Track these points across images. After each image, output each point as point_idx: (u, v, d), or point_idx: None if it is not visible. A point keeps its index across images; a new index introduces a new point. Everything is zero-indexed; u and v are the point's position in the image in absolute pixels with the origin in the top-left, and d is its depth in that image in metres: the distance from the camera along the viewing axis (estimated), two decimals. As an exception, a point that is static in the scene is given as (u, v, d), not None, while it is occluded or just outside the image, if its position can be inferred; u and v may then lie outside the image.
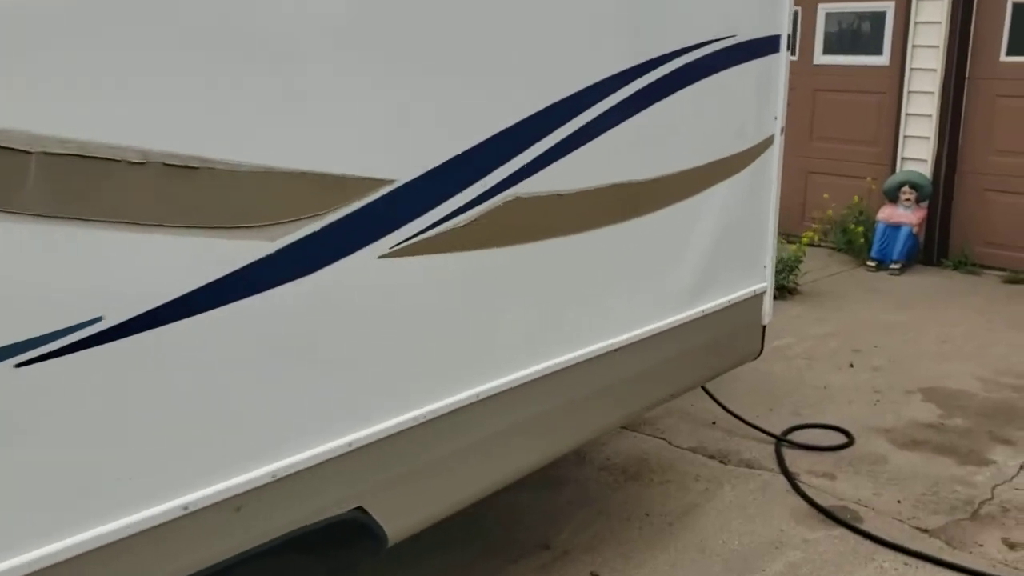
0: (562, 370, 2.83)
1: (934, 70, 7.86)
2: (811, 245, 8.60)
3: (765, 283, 3.83)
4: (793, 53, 9.33)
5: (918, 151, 8.03)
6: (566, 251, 2.76)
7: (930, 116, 7.92)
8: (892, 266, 7.84)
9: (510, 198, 2.50)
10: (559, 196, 2.67)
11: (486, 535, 3.67)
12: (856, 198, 8.27)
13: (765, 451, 4.51)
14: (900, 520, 3.85)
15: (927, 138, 7.96)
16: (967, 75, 7.83)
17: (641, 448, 4.54)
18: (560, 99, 2.60)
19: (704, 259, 3.38)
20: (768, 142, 3.66)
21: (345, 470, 2.15)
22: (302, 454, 2.07)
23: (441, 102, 2.27)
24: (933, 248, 8.07)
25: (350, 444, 2.17)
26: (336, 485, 2.18)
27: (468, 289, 2.45)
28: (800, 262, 7.16)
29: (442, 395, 2.42)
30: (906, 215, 7.85)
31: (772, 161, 3.71)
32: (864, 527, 3.78)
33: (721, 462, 4.40)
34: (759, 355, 4.01)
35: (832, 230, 8.45)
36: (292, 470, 2.04)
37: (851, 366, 5.65)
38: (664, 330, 3.22)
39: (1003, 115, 7.69)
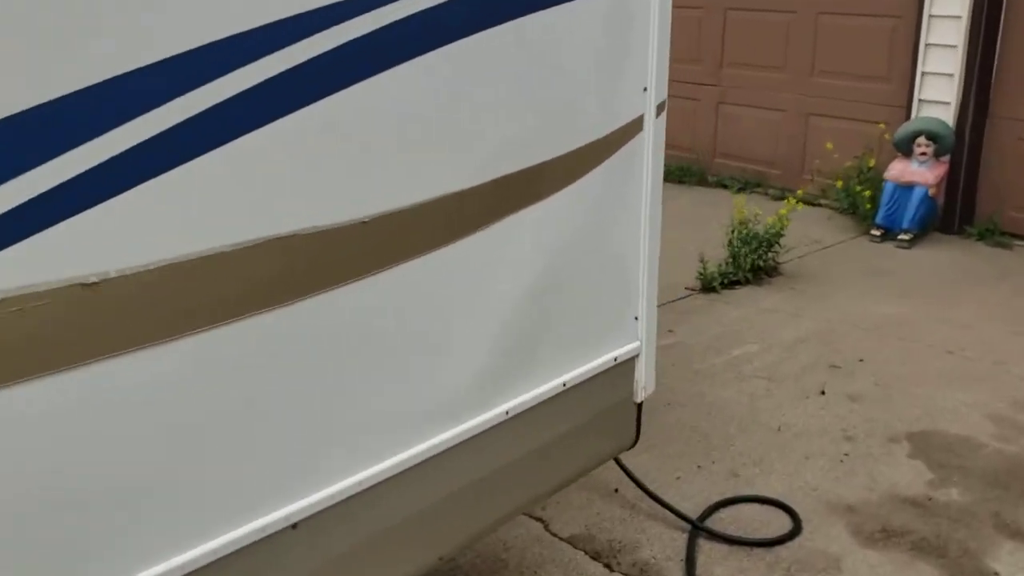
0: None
1: (964, -12, 6.27)
2: (811, 204, 7.19)
3: (637, 342, 2.50)
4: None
5: (939, 91, 6.48)
6: (151, 371, 1.47)
7: (955, 47, 6.34)
8: (901, 236, 6.38)
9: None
10: (88, 287, 1.37)
11: None
12: (870, 156, 6.76)
13: (674, 544, 3.23)
14: None
15: (951, 75, 6.40)
16: (1006, -6, 6.24)
17: (505, 537, 3.29)
18: (81, 88, 1.29)
19: (501, 335, 2.07)
20: (630, 131, 2.30)
21: None
22: None
23: None
24: (954, 213, 6.57)
25: None
26: None
27: None
28: (781, 236, 5.76)
29: None
30: (921, 173, 6.35)
31: (640, 159, 2.35)
32: None
33: (606, 566, 3.14)
34: (634, 444, 2.71)
35: (832, 188, 6.98)
36: None
37: (822, 393, 4.30)
38: (419, 462, 1.94)
39: (1050, 45, 6.12)
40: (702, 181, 8.17)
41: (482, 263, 1.98)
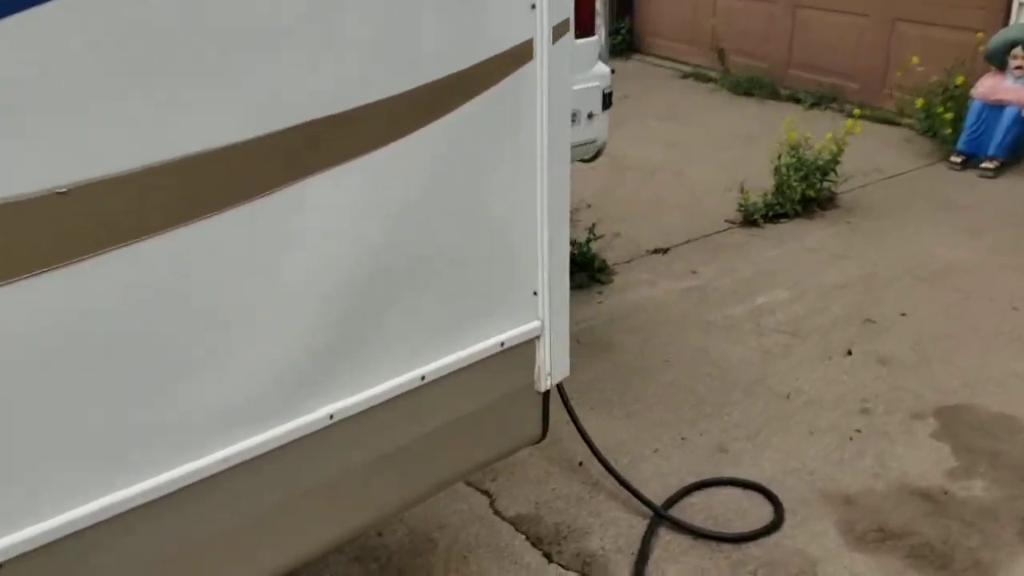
0: None
1: None
2: (890, 123, 6.41)
3: (536, 322, 2.06)
4: None
5: (1045, -7, 5.56)
6: None
7: (1069, -61, 5.39)
8: (985, 165, 5.57)
9: None
10: None
11: None
12: (959, 71, 5.90)
13: (631, 532, 2.83)
14: None
15: (1061, -27, 5.47)
16: None
17: (444, 513, 2.95)
18: None
19: (318, 322, 1.67)
20: (511, 60, 1.81)
21: None
22: None
23: None
24: (1053, 138, 5.71)
25: None
26: None
27: None
28: (837, 163, 5.07)
29: None
30: (1015, 90, 5.49)
31: (530, 95, 1.87)
32: None
33: (545, 555, 2.76)
34: (541, 439, 2.28)
35: (909, 105, 6.16)
36: None
37: (848, 354, 3.75)
38: (194, 482, 1.58)
39: None
40: (773, 94, 7.41)
41: (284, 230, 1.57)
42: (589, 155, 4.12)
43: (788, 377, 3.60)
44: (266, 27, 1.47)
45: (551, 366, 2.11)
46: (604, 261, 4.52)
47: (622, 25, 8.99)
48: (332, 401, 1.73)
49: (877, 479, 3.01)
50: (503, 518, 2.93)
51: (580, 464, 3.14)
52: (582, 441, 2.99)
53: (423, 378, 1.86)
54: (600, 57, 3.96)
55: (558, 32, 1.87)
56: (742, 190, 5.04)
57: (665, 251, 4.79)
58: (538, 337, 2.07)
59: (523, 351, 2.05)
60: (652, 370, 3.68)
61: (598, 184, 5.54)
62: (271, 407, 1.64)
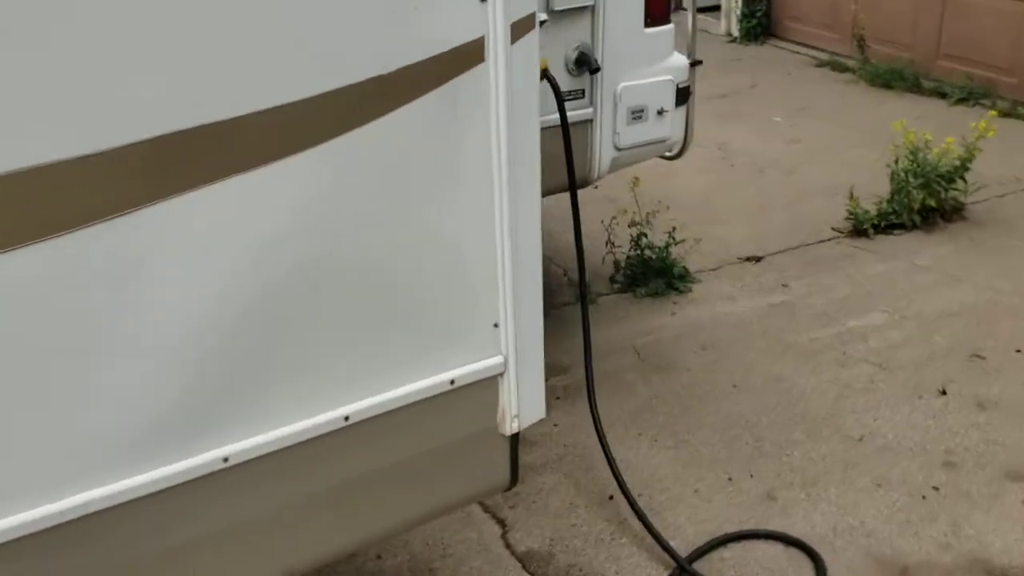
0: None
1: None
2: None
3: (498, 358, 1.80)
4: None
5: None
6: None
7: None
8: None
9: None
10: None
11: None
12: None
13: (648, 584, 2.54)
14: None
15: None
16: None
17: (451, 541, 2.74)
18: None
19: (210, 353, 1.49)
20: (454, 63, 1.56)
21: None
22: None
23: None
24: None
25: None
26: None
27: None
28: (966, 169, 4.49)
29: None
30: None
31: (482, 102, 1.61)
32: None
33: (548, 602, 2.52)
34: (511, 486, 2.01)
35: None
36: None
37: (943, 393, 3.27)
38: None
39: None
40: (915, 87, 6.73)
41: (157, 249, 1.39)
42: (672, 152, 3.77)
43: (865, 416, 3.18)
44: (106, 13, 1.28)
45: (518, 407, 1.85)
46: (685, 268, 4.17)
47: (758, 8, 8.42)
48: (227, 442, 1.54)
49: (946, 550, 2.59)
50: (512, 553, 2.69)
51: (611, 498, 2.86)
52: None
53: (347, 419, 1.65)
54: (685, 47, 3.60)
55: (519, 30, 1.61)
56: (851, 196, 4.54)
57: (758, 260, 4.38)
58: (501, 375, 1.81)
59: (481, 390, 1.81)
60: (714, 396, 3.34)
61: (702, 182, 5.16)
62: (149, 448, 1.47)
